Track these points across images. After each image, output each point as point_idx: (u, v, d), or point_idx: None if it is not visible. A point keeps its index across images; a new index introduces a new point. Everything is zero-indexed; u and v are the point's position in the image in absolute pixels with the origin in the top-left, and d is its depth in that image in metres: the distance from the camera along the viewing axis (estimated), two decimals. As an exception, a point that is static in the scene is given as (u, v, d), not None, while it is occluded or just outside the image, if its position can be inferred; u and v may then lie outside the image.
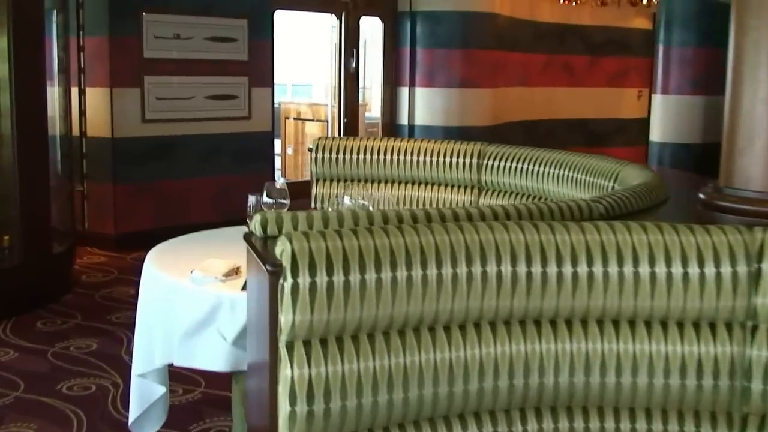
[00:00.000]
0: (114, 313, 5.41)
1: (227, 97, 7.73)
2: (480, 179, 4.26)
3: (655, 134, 7.59)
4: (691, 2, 7.25)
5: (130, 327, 5.14)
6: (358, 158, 4.44)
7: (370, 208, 3.22)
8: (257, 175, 7.96)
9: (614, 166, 3.56)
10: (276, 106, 8.60)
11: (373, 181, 4.48)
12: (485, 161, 4.25)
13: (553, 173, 3.90)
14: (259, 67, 7.92)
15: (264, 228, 2.03)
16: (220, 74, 7.65)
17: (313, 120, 10.95)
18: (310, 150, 4.55)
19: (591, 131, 11.51)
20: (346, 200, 3.45)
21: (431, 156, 4.35)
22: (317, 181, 4.53)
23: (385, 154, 4.42)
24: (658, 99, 7.56)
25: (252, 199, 3.40)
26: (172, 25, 7.26)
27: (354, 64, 9.02)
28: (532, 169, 4.02)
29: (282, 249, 1.76)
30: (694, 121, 7.45)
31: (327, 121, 10.36)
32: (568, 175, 3.80)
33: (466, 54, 9.21)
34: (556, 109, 11.03)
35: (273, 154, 8.29)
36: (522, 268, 1.88)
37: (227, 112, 7.76)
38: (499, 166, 4.18)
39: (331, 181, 4.51)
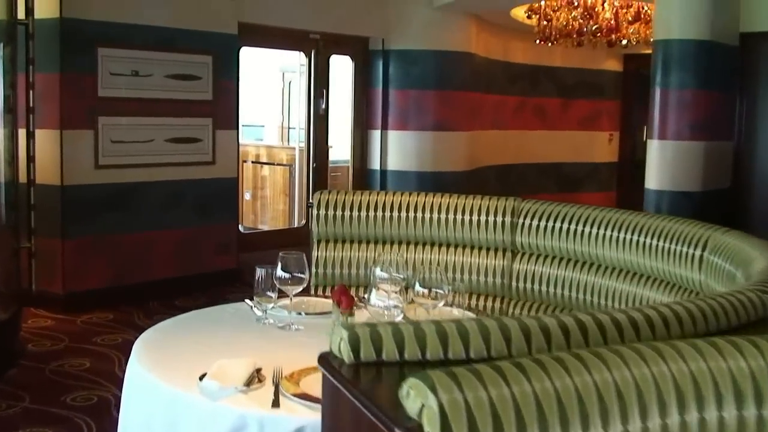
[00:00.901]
0: (68, 393, 4.62)
1: (190, 140, 7.03)
2: (514, 240, 3.65)
3: (652, 182, 7.12)
4: (690, 43, 6.84)
5: (90, 412, 4.38)
6: (368, 215, 3.80)
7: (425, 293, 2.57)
8: (222, 225, 7.27)
9: (697, 229, 2.99)
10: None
11: (384, 242, 3.84)
12: (520, 219, 3.64)
13: (609, 236, 3.31)
14: (224, 107, 7.25)
15: (356, 351, 1.37)
16: (183, 115, 6.95)
17: (273, 164, 10.29)
18: (309, 206, 3.90)
19: (563, 175, 11.09)
20: (378, 272, 2.79)
21: (455, 213, 3.74)
22: (318, 242, 3.86)
23: (399, 211, 3.79)
24: (654, 144, 7.10)
25: (261, 273, 2.73)
26: (130, 61, 6.55)
27: (324, 106, 8.41)
28: (581, 231, 3.43)
29: (422, 405, 1.10)
30: (695, 168, 7.00)
31: (291, 166, 9.71)
32: (630, 239, 3.22)
33: (442, 95, 8.69)
34: (528, 152, 10.58)
35: (238, 203, 7.59)
36: (750, 411, 1.26)
37: (190, 156, 7.05)
38: (538, 225, 3.58)
39: (336, 242, 3.86)
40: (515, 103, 10.26)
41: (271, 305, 2.82)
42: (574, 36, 8.76)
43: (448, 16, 8.62)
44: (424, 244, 3.81)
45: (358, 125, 8.88)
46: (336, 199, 3.83)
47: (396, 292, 2.81)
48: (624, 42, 9.03)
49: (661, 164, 7.06)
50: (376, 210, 3.80)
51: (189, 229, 7.06)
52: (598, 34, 8.55)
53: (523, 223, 3.64)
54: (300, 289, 2.84)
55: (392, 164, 8.84)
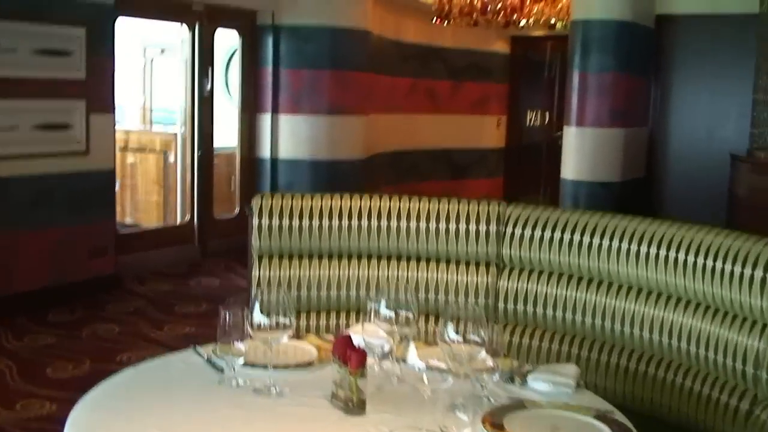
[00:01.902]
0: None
1: (59, 126, 6.04)
2: (499, 253, 3.06)
3: (568, 171, 6.75)
4: (611, 24, 6.49)
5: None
6: (321, 225, 3.11)
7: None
8: (97, 224, 6.33)
9: (747, 244, 2.49)
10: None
11: (341, 257, 3.16)
12: (506, 228, 3.05)
13: (625, 249, 2.78)
14: (99, 87, 6.29)
15: None
16: (51, 97, 5.96)
17: (144, 151, 9.26)
18: (248, 213, 3.15)
19: (453, 162, 10.66)
20: (383, 309, 2.14)
21: (427, 221, 3.11)
22: (260, 259, 3.13)
23: (360, 219, 3.12)
24: (572, 131, 6.73)
25: (228, 316, 2.02)
26: (-14, 33, 5.52)
27: (209, 86, 7.53)
28: (587, 242, 2.88)
29: None
30: (614, 157, 6.68)
31: (166, 153, 8.74)
32: (656, 254, 2.69)
33: (338, 76, 8.00)
34: (419, 138, 10.06)
35: (114, 198, 6.64)
36: None
37: (59, 145, 6.06)
38: (532, 235, 3.00)
39: (282, 258, 3.15)
40: (407, 85, 9.70)
41: (241, 360, 2.10)
42: (475, 15, 8.30)
43: (345, -10, 7.94)
44: (389, 258, 3.16)
45: (245, 108, 8.06)
46: (281, 204, 3.11)
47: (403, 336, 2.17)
48: (522, 22, 8.66)
49: (579, 153, 6.71)
50: (331, 218, 3.11)
51: (59, 231, 6.09)
52: (501, 13, 8.11)
53: (511, 233, 3.05)
54: (285, 338, 2.13)
55: (284, 152, 8.08)
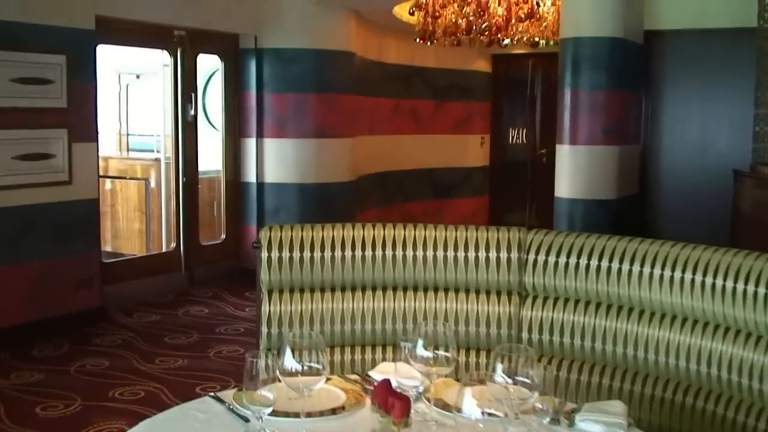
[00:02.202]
0: None
1: (41, 156, 5.85)
2: (522, 281, 2.94)
3: (563, 189, 6.65)
4: (602, 41, 6.41)
5: None
6: (333, 256, 2.96)
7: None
8: (81, 255, 6.14)
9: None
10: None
11: (355, 289, 3.02)
12: (528, 255, 2.92)
13: (655, 274, 2.66)
14: (81, 115, 6.12)
15: None
16: (32, 126, 5.78)
17: (125, 177, 9.07)
18: (256, 246, 3.00)
19: (438, 182, 10.56)
20: (420, 349, 2.01)
21: (445, 249, 2.98)
22: (270, 293, 2.98)
23: (373, 249, 2.98)
24: (565, 149, 6.62)
25: (256, 362, 1.87)
26: (-37, 62, 5.34)
27: (192, 111, 7.37)
28: (612, 268, 2.76)
29: None
30: (609, 174, 6.59)
31: (147, 180, 8.56)
32: (682, 278, 2.58)
33: (323, 98, 7.88)
34: (404, 158, 9.95)
35: (98, 228, 6.44)
36: None
37: (42, 175, 5.87)
38: (556, 262, 2.88)
39: (292, 292, 2.99)
40: (390, 105, 9.60)
41: (269, 410, 1.94)
42: (459, 34, 8.20)
43: (328, 12, 7.82)
44: (405, 290, 3.02)
45: (230, 132, 7.90)
46: (291, 235, 2.96)
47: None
48: (506, 41, 8.58)
49: (574, 171, 6.61)
50: (343, 248, 2.97)
51: (43, 263, 5.89)
52: (486, 33, 8.02)
53: (534, 260, 2.92)
54: (319, 384, 1.97)
55: (270, 176, 7.93)
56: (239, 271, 8.00)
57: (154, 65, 10.11)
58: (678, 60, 6.97)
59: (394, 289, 3.01)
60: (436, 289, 3.01)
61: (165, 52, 7.20)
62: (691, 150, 6.97)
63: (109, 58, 9.95)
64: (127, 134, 11.19)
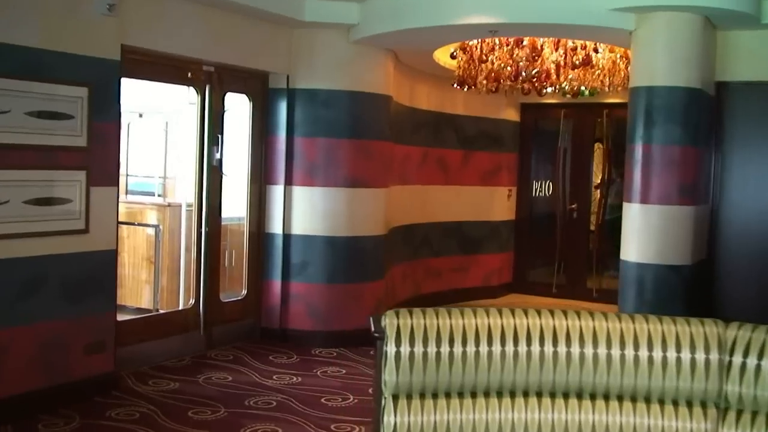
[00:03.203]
0: None
1: (56, 200, 5.15)
2: (721, 390, 2.26)
3: (631, 253, 6.01)
4: (678, 92, 5.84)
5: None
6: (478, 352, 2.28)
7: None
8: (95, 315, 5.42)
9: None
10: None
11: (502, 394, 2.32)
12: (732, 357, 2.26)
13: None
14: (102, 156, 5.45)
15: None
16: (47, 167, 5.10)
17: (133, 224, 8.37)
18: (377, 336, 2.33)
19: (465, 236, 9.91)
20: None
21: (622, 347, 2.30)
22: (395, 400, 2.29)
23: (528, 344, 2.31)
24: (634, 209, 6.00)
25: None
26: (-26, 92, 4.67)
27: (218, 155, 6.71)
28: None
29: None
30: (685, 237, 5.97)
31: (158, 227, 7.86)
32: None
33: (357, 145, 7.25)
34: (431, 210, 9.32)
35: (115, 284, 5.71)
36: None
37: (55, 223, 5.17)
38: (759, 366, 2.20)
39: (423, 398, 2.30)
40: (419, 154, 8.99)
41: None
42: (502, 80, 7.64)
43: (365, 52, 7.22)
44: (566, 397, 2.34)
45: (255, 179, 7.23)
46: (424, 324, 2.28)
47: None
48: (548, 89, 8.04)
49: (644, 233, 5.99)
50: (490, 342, 2.29)
51: (52, 324, 5.16)
52: (534, 79, 7.46)
53: (741, 363, 2.26)
54: None
55: (297, 228, 7.25)
56: (260, 332, 7.28)
57: (157, 104, 9.51)
58: (752, 114, 6.40)
59: (552, 395, 2.35)
60: (606, 398, 2.35)
61: (191, 89, 6.55)
62: (765, 213, 6.36)
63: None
64: (127, 175, 10.51)
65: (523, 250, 10.71)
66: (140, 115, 10.32)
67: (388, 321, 2.28)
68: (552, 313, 2.36)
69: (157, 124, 10.19)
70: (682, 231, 5.95)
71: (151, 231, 8.07)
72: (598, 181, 10.30)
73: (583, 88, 7.90)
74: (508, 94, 8.54)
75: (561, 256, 10.48)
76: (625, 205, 6.13)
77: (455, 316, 2.32)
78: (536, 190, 10.76)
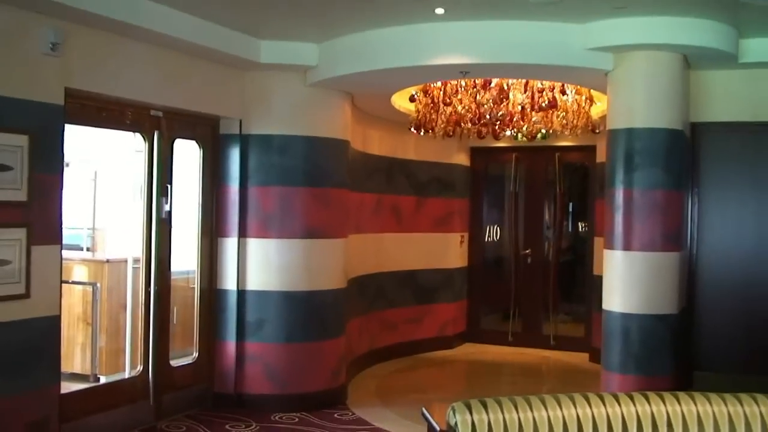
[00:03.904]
0: None
1: (-8, 262, 4.56)
2: None
3: (615, 302, 5.71)
4: (660, 133, 5.61)
5: None
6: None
7: None
8: (40, 389, 4.80)
9: None
10: None
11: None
12: None
13: None
14: (44, 211, 4.88)
15: None
16: (-17, 225, 4.50)
17: (67, 282, 7.68)
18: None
19: (419, 285, 9.52)
20: None
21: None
22: None
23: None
24: (617, 257, 5.70)
25: None
26: None
27: (167, 207, 6.18)
28: None
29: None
30: (671, 284, 5.70)
31: (95, 285, 7.21)
32: None
33: (315, 193, 6.80)
34: (385, 259, 8.91)
35: (59, 354, 5.10)
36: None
37: (-9, 288, 4.56)
38: None
39: None
40: (373, 201, 8.60)
41: None
42: (464, 124, 7.34)
43: (324, 95, 6.83)
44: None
45: (206, 232, 6.70)
46: (502, 419, 1.84)
47: None
48: (508, 133, 7.77)
49: (629, 281, 5.71)
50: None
51: (-11, 402, 4.52)
52: (498, 123, 7.18)
53: None
54: None
55: (253, 283, 6.73)
56: (214, 397, 6.69)
57: (85, 152, 8.92)
58: (728, 155, 6.23)
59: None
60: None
61: (138, 134, 6.02)
62: (745, 257, 6.17)
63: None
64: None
65: (477, 298, 10.38)
66: (67, 164, 9.65)
67: (460, 418, 1.85)
68: (662, 399, 1.96)
69: (85, 174, 9.55)
70: (668, 278, 5.68)
71: (86, 289, 7.40)
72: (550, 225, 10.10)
73: (543, 130, 7.65)
74: (461, 138, 8.25)
75: (516, 303, 10.18)
76: (607, 253, 5.84)
77: (536, 407, 1.90)
78: (489, 235, 10.48)
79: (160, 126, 6.08)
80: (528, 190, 10.23)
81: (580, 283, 9.86)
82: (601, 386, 5.93)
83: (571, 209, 10.17)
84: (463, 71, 6.03)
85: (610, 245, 5.80)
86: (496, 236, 10.49)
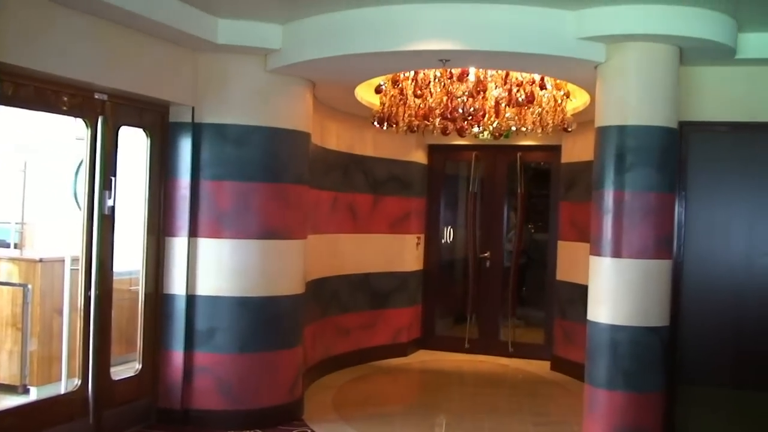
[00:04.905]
0: None
1: None
2: None
3: (603, 313, 5.28)
4: (655, 131, 5.21)
5: None
6: None
7: None
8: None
9: None
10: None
11: None
12: None
13: None
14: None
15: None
16: None
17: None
18: None
19: (374, 289, 9.02)
20: None
21: None
22: None
23: None
24: (605, 264, 5.28)
25: None
26: None
27: (111, 201, 5.53)
28: None
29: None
30: (663, 294, 5.31)
31: (26, 287, 6.50)
32: None
33: (274, 189, 6.23)
34: (340, 262, 8.39)
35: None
36: None
37: None
38: None
39: None
40: (329, 199, 8.05)
41: None
42: (431, 118, 6.85)
43: (286, 83, 6.27)
44: None
45: (152, 230, 6.06)
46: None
47: None
48: (476, 129, 7.31)
49: (618, 290, 5.32)
50: None
51: None
52: (471, 117, 6.70)
53: None
54: None
55: (204, 287, 6.12)
56: (158, 413, 6.06)
57: (15, 140, 8.17)
58: (716, 156, 5.88)
59: None
60: None
61: (80, 120, 5.36)
62: (736, 263, 5.83)
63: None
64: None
65: (432, 303, 9.92)
66: (-6, 150, 8.87)
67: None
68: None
69: (14, 163, 8.77)
70: (661, 288, 5.30)
71: (16, 290, 6.68)
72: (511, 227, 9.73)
73: (514, 128, 7.21)
74: (424, 134, 7.77)
75: (473, 309, 9.75)
76: (594, 260, 5.41)
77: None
78: (446, 237, 10.04)
79: (104, 111, 5.43)
80: (487, 190, 9.80)
81: (541, 289, 9.47)
82: (585, 403, 5.51)
83: (532, 211, 9.80)
84: (443, 59, 5.53)
85: (597, 252, 5.38)
86: (454, 238, 10.06)
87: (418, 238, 9.71)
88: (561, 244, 8.90)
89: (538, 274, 9.64)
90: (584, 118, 7.44)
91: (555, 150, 9.07)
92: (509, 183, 9.65)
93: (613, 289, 5.28)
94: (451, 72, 6.22)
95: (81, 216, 5.39)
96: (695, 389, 5.85)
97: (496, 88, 6.36)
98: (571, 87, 6.56)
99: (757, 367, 5.75)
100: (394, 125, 7.00)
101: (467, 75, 6.14)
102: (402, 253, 9.37)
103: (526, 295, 10.10)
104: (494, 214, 9.75)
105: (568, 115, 6.90)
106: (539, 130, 6.95)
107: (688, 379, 5.84)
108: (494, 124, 7.03)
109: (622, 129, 5.28)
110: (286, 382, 6.32)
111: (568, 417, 6.85)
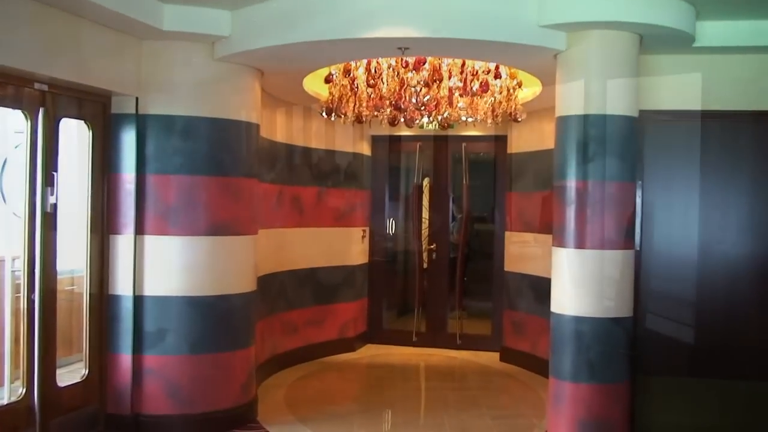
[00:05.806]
0: None
1: None
2: None
3: (566, 305, 5.22)
4: (618, 120, 5.15)
5: None
6: None
7: None
8: None
9: None
10: None
11: None
12: None
13: None
14: None
15: None
16: None
17: None
18: None
19: (319, 284, 8.82)
20: None
21: None
22: None
23: None
24: (568, 255, 5.22)
25: None
26: None
27: (53, 198, 5.21)
28: None
29: None
30: (627, 285, 5.27)
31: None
32: None
33: (223, 183, 5.99)
34: (286, 257, 8.17)
35: None
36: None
37: None
38: None
39: None
40: (275, 192, 7.83)
41: None
42: (382, 109, 6.69)
43: (234, 72, 6.02)
44: None
45: (95, 227, 5.75)
46: None
47: None
48: (424, 120, 7.18)
49: (582, 281, 5.26)
50: None
51: None
52: (423, 107, 6.56)
53: None
54: None
55: (151, 287, 5.84)
56: (106, 420, 5.77)
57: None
58: (673, 145, 5.88)
59: None
60: None
61: (19, 111, 5.02)
62: (691, 252, 5.84)
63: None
64: None
65: (378, 296, 9.77)
66: None
67: None
68: None
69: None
70: (625, 278, 5.26)
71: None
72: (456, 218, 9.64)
73: (464, 117, 7.09)
74: (371, 125, 7.60)
75: (420, 301, 9.65)
76: (557, 251, 5.35)
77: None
78: (391, 229, 9.89)
79: (45, 102, 5.11)
80: (433, 181, 9.70)
81: (488, 280, 9.41)
82: (549, 397, 5.45)
83: (478, 202, 9.73)
84: (402, 47, 5.37)
85: (560, 243, 5.31)
86: (403, 230, 9.93)
87: (364, 231, 9.55)
88: (508, 234, 8.86)
89: (482, 265, 9.57)
90: (533, 107, 7.40)
91: (501, 140, 9.03)
92: (454, 174, 9.56)
93: (577, 281, 5.23)
94: (406, 61, 6.06)
95: (22, 214, 5.05)
96: (654, 379, 5.84)
97: (451, 78, 6.22)
98: (522, 76, 6.48)
99: (715, 355, 5.77)
100: (342, 116, 6.82)
101: (423, 64, 5.99)
102: (348, 246, 9.21)
103: (478, 288, 10.03)
104: (440, 206, 9.65)
105: (519, 105, 6.82)
106: (489, 120, 6.85)
107: (647, 368, 5.83)
108: (445, 114, 6.92)
109: (584, 118, 5.21)
110: (239, 383, 6.10)
111: (524, 409, 6.80)
